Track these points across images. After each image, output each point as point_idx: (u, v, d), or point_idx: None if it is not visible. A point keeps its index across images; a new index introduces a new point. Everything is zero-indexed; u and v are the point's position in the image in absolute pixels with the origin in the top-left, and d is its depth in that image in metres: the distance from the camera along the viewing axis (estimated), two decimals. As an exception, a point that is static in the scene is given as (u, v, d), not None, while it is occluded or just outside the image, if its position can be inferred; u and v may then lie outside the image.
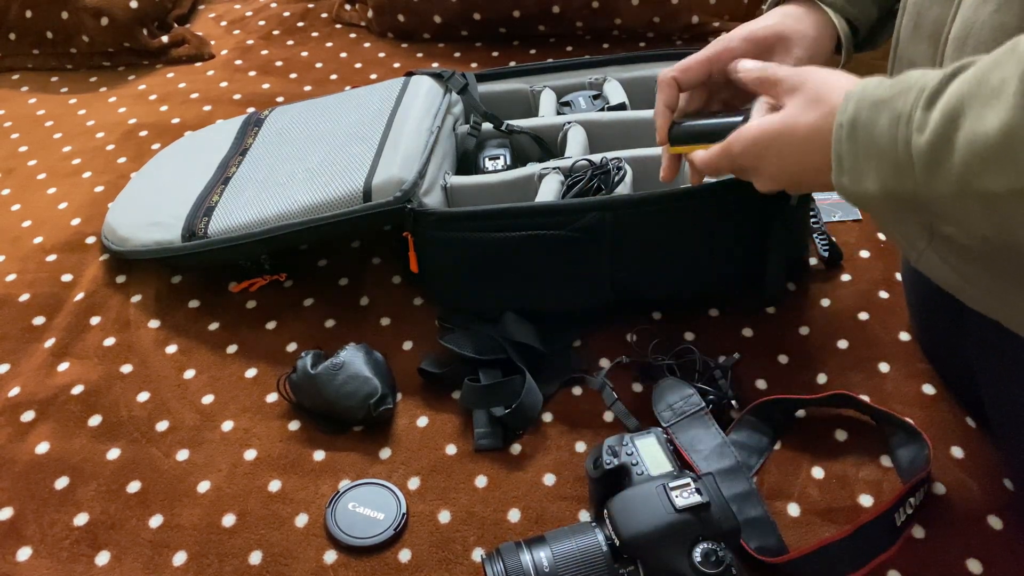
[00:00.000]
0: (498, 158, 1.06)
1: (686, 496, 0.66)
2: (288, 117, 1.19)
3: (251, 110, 1.34)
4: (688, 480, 0.67)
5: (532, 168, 1.00)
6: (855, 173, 0.57)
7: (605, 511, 0.68)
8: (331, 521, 0.80)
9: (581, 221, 0.90)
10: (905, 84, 0.55)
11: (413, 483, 0.85)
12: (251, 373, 0.97)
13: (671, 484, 0.67)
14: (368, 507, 0.82)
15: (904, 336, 0.96)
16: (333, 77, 1.49)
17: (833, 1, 0.78)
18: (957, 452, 0.84)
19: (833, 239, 1.06)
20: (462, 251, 0.94)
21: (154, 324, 1.04)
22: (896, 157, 0.54)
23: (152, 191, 1.15)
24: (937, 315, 0.85)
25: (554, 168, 0.98)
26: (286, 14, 1.70)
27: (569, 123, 1.07)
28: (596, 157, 0.99)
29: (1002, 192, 0.50)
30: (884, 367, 0.93)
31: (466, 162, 1.09)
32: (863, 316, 0.98)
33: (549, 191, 0.96)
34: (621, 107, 1.11)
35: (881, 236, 1.09)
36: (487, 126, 1.10)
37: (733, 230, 0.93)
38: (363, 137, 1.04)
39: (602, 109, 1.11)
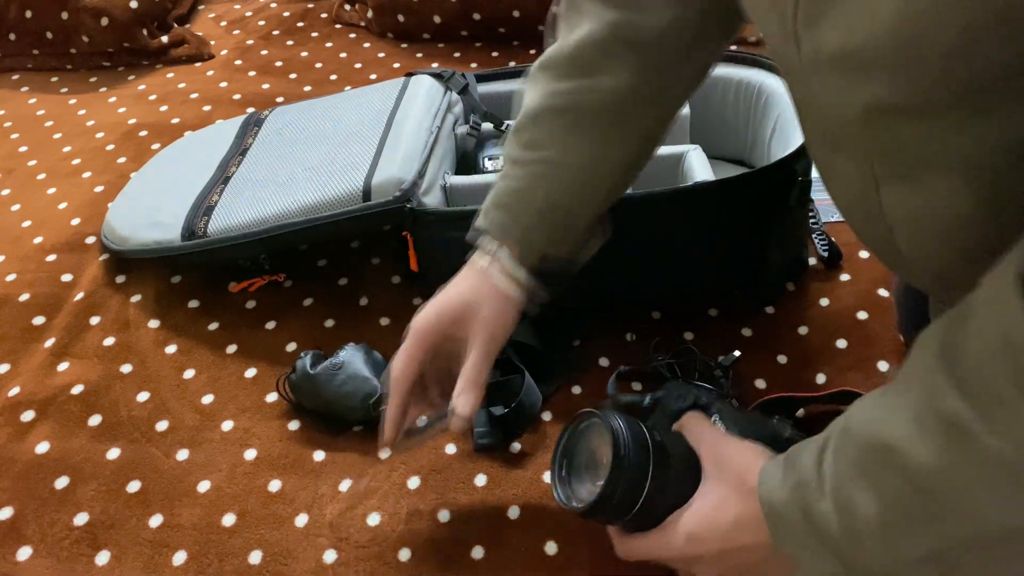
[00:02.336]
0: (498, 158, 1.07)
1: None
2: (288, 117, 1.19)
3: (251, 110, 1.34)
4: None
5: (532, 168, 1.00)
6: (818, 565, 0.57)
7: (716, 420, 0.70)
8: None
9: (581, 221, 0.90)
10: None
11: (413, 482, 0.85)
12: (251, 373, 0.97)
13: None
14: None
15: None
16: (333, 77, 1.49)
17: (504, 268, 0.75)
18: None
19: (832, 239, 1.06)
20: (462, 251, 0.94)
21: (154, 324, 1.04)
22: (817, 536, 0.55)
23: (152, 191, 1.15)
24: None
25: (554, 168, 0.98)
26: (286, 14, 1.70)
27: (569, 123, 1.07)
28: (596, 157, 0.99)
29: (932, 552, 0.52)
30: (883, 366, 0.93)
31: (466, 162, 1.09)
32: (862, 316, 0.98)
33: (549, 191, 0.96)
34: (621, 107, 1.11)
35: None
36: (487, 126, 1.10)
37: (732, 230, 0.93)
38: (363, 137, 1.04)
39: (602, 109, 1.11)
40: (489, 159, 1.07)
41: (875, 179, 0.55)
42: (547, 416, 0.90)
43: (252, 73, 1.52)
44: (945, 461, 0.47)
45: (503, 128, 1.09)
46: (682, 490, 0.64)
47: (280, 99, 1.43)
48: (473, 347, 0.73)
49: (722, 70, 1.12)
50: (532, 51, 1.52)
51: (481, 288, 0.75)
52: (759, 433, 0.67)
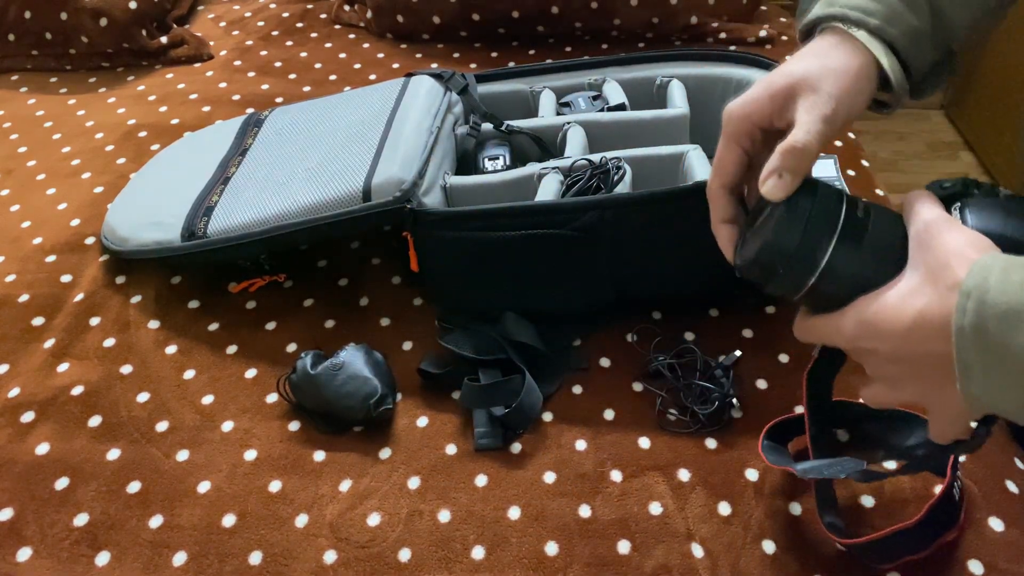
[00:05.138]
0: (497, 158, 1.07)
1: None
2: (288, 117, 1.19)
3: (250, 111, 1.34)
4: None
5: (531, 168, 1.00)
6: (990, 386, 0.48)
7: (956, 209, 0.56)
8: None
9: (580, 220, 0.90)
10: None
11: (413, 483, 0.85)
12: (251, 373, 0.97)
13: None
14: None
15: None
16: (332, 78, 1.49)
17: (865, 23, 0.61)
18: (957, 451, 0.84)
19: (833, 239, 1.06)
20: (462, 251, 0.94)
21: (154, 324, 1.04)
22: None
23: (152, 191, 1.15)
24: None
25: (553, 168, 0.99)
26: (285, 15, 1.70)
27: (569, 123, 1.07)
28: (595, 157, 0.99)
29: None
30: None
31: (466, 162, 1.09)
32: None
33: (548, 191, 0.96)
34: (621, 108, 1.11)
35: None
36: (487, 126, 1.10)
37: (733, 230, 0.93)
38: (363, 137, 1.04)
39: (602, 110, 1.11)
40: (489, 159, 1.07)
41: None
42: (548, 416, 0.90)
43: (251, 73, 1.52)
44: None
45: (503, 128, 1.09)
46: (878, 273, 0.54)
47: (279, 99, 1.43)
48: (805, 113, 0.58)
49: (722, 70, 1.13)
50: (531, 51, 1.52)
51: (827, 60, 0.60)
52: (1014, 228, 0.54)
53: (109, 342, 1.02)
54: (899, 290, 0.53)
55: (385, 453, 0.87)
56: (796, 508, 0.80)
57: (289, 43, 1.61)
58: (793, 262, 0.55)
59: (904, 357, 0.53)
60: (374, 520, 0.81)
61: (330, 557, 0.79)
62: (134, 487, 0.86)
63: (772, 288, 0.58)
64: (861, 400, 0.58)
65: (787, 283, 0.57)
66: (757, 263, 0.57)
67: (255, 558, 0.79)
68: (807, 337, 0.61)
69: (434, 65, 1.49)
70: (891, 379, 0.56)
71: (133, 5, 1.53)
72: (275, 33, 1.65)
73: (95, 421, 0.93)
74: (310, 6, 1.72)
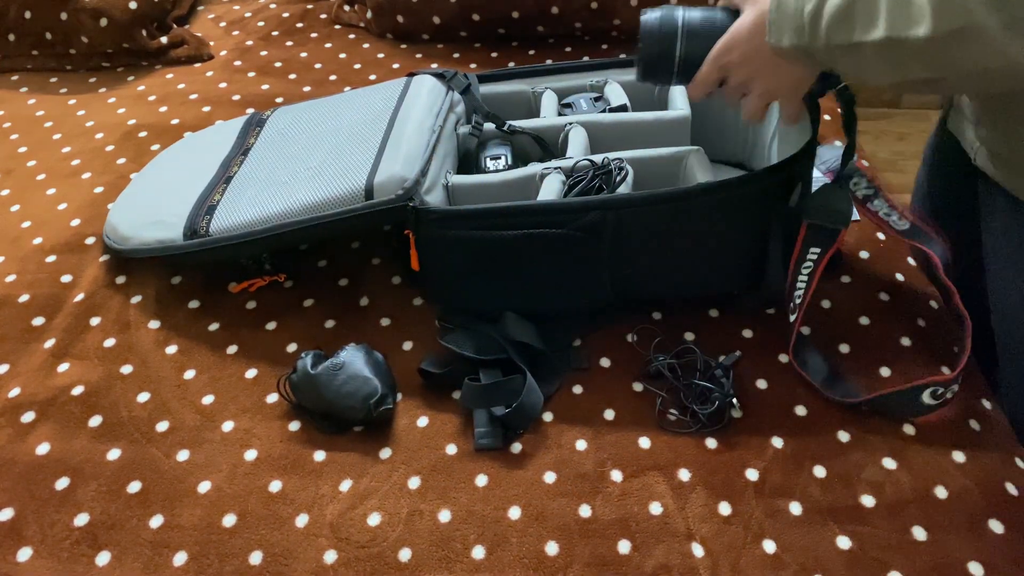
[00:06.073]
0: (499, 158, 1.07)
1: None
2: (290, 117, 1.19)
3: (250, 111, 1.34)
4: None
5: (534, 168, 1.00)
6: (777, 33, 0.78)
7: None
8: None
9: (582, 220, 0.90)
10: None
11: (414, 483, 0.85)
12: (251, 373, 0.97)
13: None
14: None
15: (905, 341, 0.96)
16: (332, 78, 1.49)
17: None
18: (959, 456, 0.84)
19: (833, 240, 1.06)
20: (463, 250, 0.94)
21: (154, 325, 1.04)
22: (797, 21, 0.75)
23: (154, 190, 1.15)
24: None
25: (555, 168, 0.99)
26: (285, 15, 1.70)
27: (570, 124, 1.07)
28: (597, 157, 0.99)
29: (844, 43, 0.73)
30: (885, 371, 0.93)
31: (467, 162, 1.09)
32: (864, 320, 0.98)
33: (550, 191, 0.96)
34: (622, 109, 1.11)
35: (880, 236, 1.09)
36: (488, 126, 1.10)
37: (733, 230, 0.93)
38: (365, 136, 1.04)
39: (603, 111, 1.11)
40: (491, 159, 1.07)
41: None
42: (548, 416, 0.90)
43: (252, 74, 1.52)
44: None
45: (505, 128, 1.09)
46: (722, 31, 0.83)
47: (279, 99, 1.43)
48: None
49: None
50: (531, 52, 1.52)
51: None
52: None
53: (109, 342, 1.02)
54: (737, 22, 0.81)
55: (385, 453, 0.87)
56: (796, 508, 0.80)
57: (289, 43, 1.61)
58: (659, 65, 0.87)
59: (750, 57, 0.81)
60: (374, 520, 0.81)
61: (330, 557, 0.79)
62: (134, 487, 0.86)
63: (663, 80, 0.89)
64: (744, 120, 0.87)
65: (664, 77, 0.88)
66: (643, 70, 0.89)
67: (255, 558, 0.79)
68: (697, 93, 0.87)
69: (434, 65, 1.49)
70: (747, 83, 0.84)
71: (133, 5, 1.53)
72: (275, 33, 1.65)
73: (95, 421, 0.93)
74: (310, 6, 1.72)
